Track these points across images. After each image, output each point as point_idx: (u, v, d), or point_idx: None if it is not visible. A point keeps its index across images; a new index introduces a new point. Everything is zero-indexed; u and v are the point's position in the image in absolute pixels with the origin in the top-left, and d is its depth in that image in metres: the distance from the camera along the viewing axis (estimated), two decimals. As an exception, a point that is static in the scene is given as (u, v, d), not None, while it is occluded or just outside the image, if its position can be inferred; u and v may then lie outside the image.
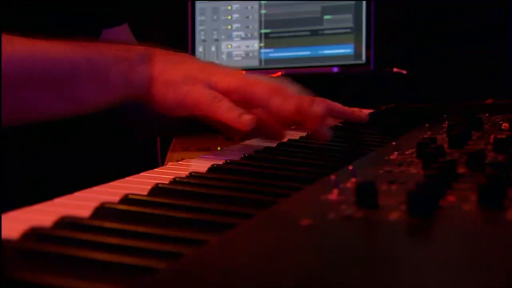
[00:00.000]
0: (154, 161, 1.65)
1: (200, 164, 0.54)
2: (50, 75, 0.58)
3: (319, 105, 0.59)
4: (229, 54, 1.71)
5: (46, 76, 0.58)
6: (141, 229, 0.32)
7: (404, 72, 1.56)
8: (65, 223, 0.32)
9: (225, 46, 1.72)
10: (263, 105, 0.60)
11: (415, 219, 0.31)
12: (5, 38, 0.57)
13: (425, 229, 0.30)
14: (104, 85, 0.62)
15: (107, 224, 0.32)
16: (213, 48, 1.72)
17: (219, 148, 1.33)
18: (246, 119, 0.57)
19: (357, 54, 1.59)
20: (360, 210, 0.33)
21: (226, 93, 0.60)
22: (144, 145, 1.66)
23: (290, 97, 0.60)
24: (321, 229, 0.30)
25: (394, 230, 0.30)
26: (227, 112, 0.58)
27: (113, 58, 0.62)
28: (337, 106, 0.85)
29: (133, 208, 0.36)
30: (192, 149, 1.50)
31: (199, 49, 1.72)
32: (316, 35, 1.63)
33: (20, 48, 0.57)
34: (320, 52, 1.62)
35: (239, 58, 1.70)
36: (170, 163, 0.59)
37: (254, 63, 1.68)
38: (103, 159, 0.86)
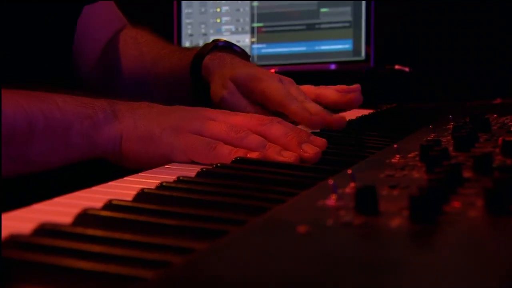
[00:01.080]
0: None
1: (188, 168, 0.55)
2: (2, 133, 0.56)
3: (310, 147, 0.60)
4: (218, 50, 1.72)
5: None
6: (126, 236, 0.32)
7: (407, 69, 1.57)
8: (45, 230, 0.33)
9: (213, 41, 1.72)
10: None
11: (417, 226, 0.31)
12: None
13: (428, 236, 0.30)
14: (63, 147, 0.60)
15: (90, 232, 0.33)
16: (200, 43, 1.72)
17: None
18: (253, 156, 0.58)
19: (356, 50, 1.60)
20: (359, 217, 0.33)
21: (217, 139, 0.60)
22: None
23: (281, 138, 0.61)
24: (319, 237, 0.31)
25: (395, 238, 0.31)
26: (230, 156, 0.58)
27: (75, 116, 0.60)
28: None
29: (117, 215, 0.37)
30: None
31: (186, 44, 1.72)
32: (312, 30, 1.64)
33: None
34: (316, 47, 1.63)
35: (229, 54, 1.71)
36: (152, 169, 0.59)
37: (245, 59, 1.69)
38: (82, 163, 0.87)
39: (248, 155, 0.58)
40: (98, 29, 0.95)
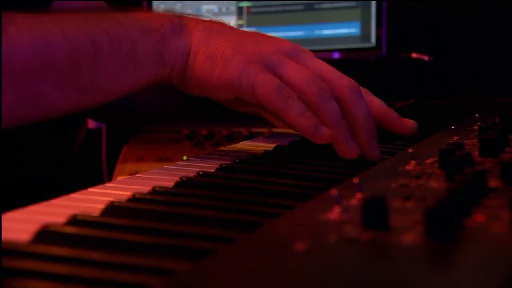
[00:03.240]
0: (98, 175, 1.65)
1: (164, 177, 0.56)
2: (67, 59, 0.60)
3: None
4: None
5: (63, 61, 0.59)
6: (94, 256, 0.34)
7: (427, 58, 1.58)
8: (1, 249, 0.34)
9: (192, 24, 1.73)
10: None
11: (434, 243, 0.33)
12: (5, 16, 0.58)
13: (446, 255, 0.32)
14: (132, 66, 0.63)
15: (53, 250, 0.34)
16: (176, 26, 1.73)
17: (185, 158, 1.35)
18: (324, 133, 0.60)
19: (365, 35, 1.61)
20: (367, 232, 0.35)
21: (295, 88, 0.63)
22: (84, 156, 1.66)
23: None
24: (320, 255, 0.32)
25: (408, 256, 0.32)
26: (301, 117, 0.61)
27: (140, 30, 0.63)
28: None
29: (83, 231, 0.38)
30: (149, 159, 1.52)
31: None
32: (312, 10, 1.65)
33: (26, 27, 0.58)
34: (316, 32, 1.64)
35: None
36: (120, 178, 0.61)
37: (231, 46, 1.69)
38: (34, 173, 0.88)
39: (320, 129, 0.60)
40: None
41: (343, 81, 0.65)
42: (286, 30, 1.65)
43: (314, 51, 1.65)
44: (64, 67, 0.60)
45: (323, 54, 1.62)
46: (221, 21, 0.70)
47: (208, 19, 0.70)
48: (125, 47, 0.63)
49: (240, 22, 1.69)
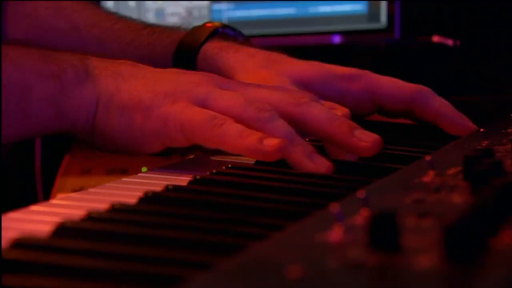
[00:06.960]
0: (30, 192, 1.65)
1: (124, 192, 0.58)
2: None
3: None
4: (159, 13, 1.73)
5: None
6: (47, 284, 0.36)
7: (451, 43, 1.59)
8: None
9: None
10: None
11: (453, 267, 0.35)
12: None
13: (468, 280, 0.34)
14: (21, 116, 0.65)
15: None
16: (131, 3, 1.74)
17: (144, 169, 1.37)
18: (270, 144, 0.62)
19: (373, 13, 1.62)
20: (375, 255, 0.37)
21: (229, 115, 0.65)
22: (12, 168, 1.66)
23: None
24: (318, 283, 0.34)
25: (424, 282, 0.34)
26: (240, 138, 0.63)
27: (35, 74, 0.65)
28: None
29: (30, 256, 0.40)
30: (98, 171, 1.53)
31: (108, 3, 1.74)
32: (306, -18, 1.66)
33: None
34: (312, 10, 1.65)
35: (175, 19, 1.72)
36: (61, 195, 0.62)
37: (202, 27, 1.70)
38: None
39: (265, 142, 0.62)
40: None
41: (283, 97, 0.68)
42: (273, 6, 1.65)
43: (308, 34, 1.66)
44: None
45: (320, 38, 1.62)
46: (131, 62, 0.72)
47: (117, 60, 0.71)
48: (15, 93, 0.64)
49: (214, -3, 1.69)
